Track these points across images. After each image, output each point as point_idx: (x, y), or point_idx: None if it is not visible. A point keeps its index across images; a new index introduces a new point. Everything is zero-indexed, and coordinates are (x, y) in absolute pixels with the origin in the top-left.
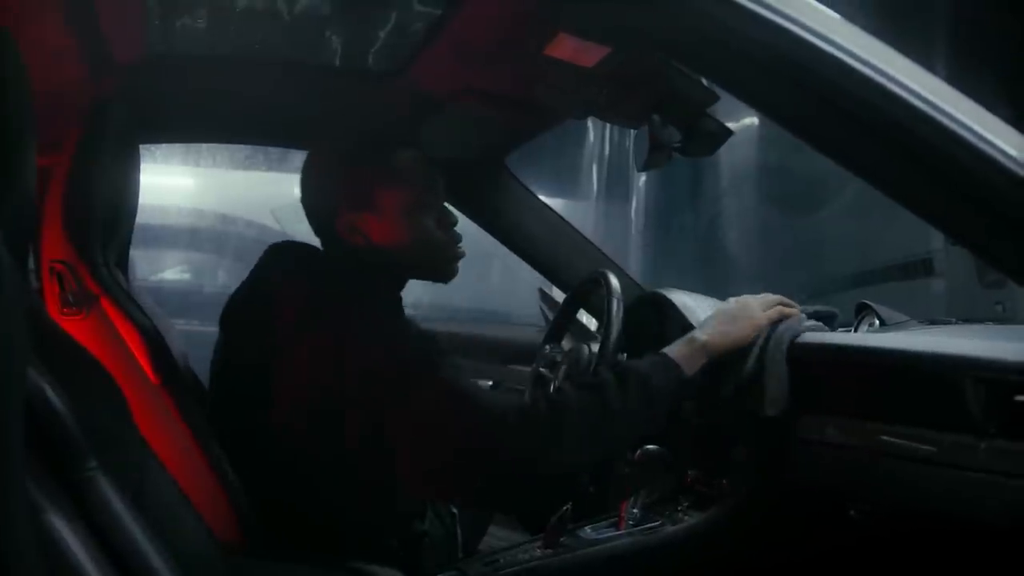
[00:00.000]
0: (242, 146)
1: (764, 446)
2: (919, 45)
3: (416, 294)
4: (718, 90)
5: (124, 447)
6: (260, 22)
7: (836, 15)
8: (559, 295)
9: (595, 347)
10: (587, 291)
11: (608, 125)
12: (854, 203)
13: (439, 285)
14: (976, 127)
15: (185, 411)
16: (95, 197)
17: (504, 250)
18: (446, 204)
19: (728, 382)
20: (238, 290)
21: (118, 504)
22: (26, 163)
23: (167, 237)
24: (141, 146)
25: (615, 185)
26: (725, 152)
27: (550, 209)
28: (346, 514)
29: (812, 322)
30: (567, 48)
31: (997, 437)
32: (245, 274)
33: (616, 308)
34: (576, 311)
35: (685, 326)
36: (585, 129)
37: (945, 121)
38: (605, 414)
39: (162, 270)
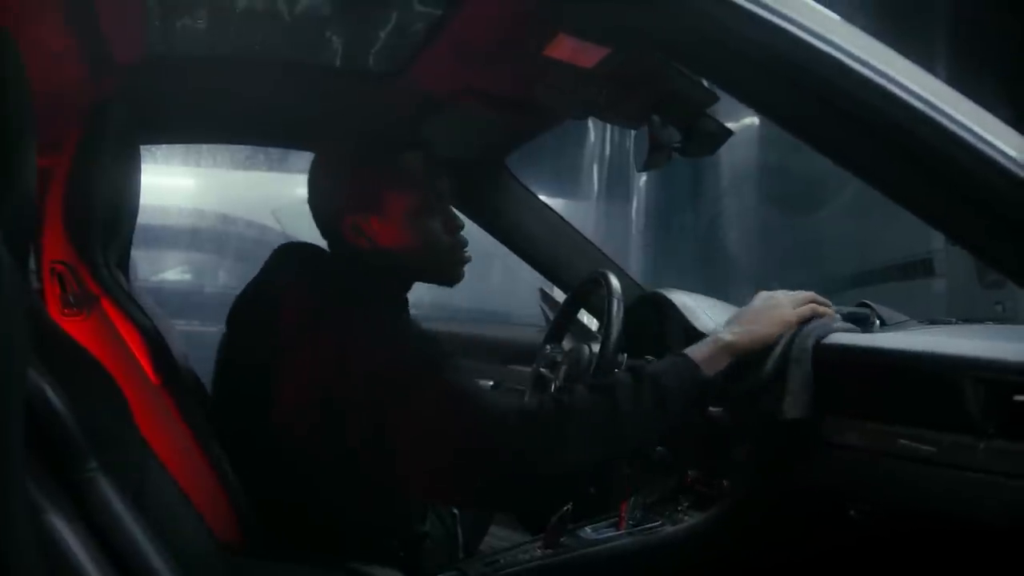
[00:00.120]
0: (242, 146)
1: (768, 446)
2: (919, 45)
3: (417, 294)
4: (718, 90)
5: (124, 447)
6: (260, 22)
7: (835, 16)
8: (559, 295)
9: (595, 347)
10: (587, 291)
11: (608, 125)
12: (854, 203)
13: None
14: (976, 128)
15: (185, 411)
16: (95, 198)
17: (504, 250)
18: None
19: (747, 380)
20: (245, 290)
21: (118, 504)
22: (26, 163)
23: (168, 237)
24: (142, 147)
25: (615, 185)
26: (725, 152)
27: (550, 209)
28: (347, 515)
29: (843, 323)
30: (567, 49)
31: (996, 437)
32: (246, 274)
33: (616, 308)
34: (576, 311)
35: (686, 326)
36: (586, 129)
37: (945, 122)
38: (614, 415)
39: (163, 270)
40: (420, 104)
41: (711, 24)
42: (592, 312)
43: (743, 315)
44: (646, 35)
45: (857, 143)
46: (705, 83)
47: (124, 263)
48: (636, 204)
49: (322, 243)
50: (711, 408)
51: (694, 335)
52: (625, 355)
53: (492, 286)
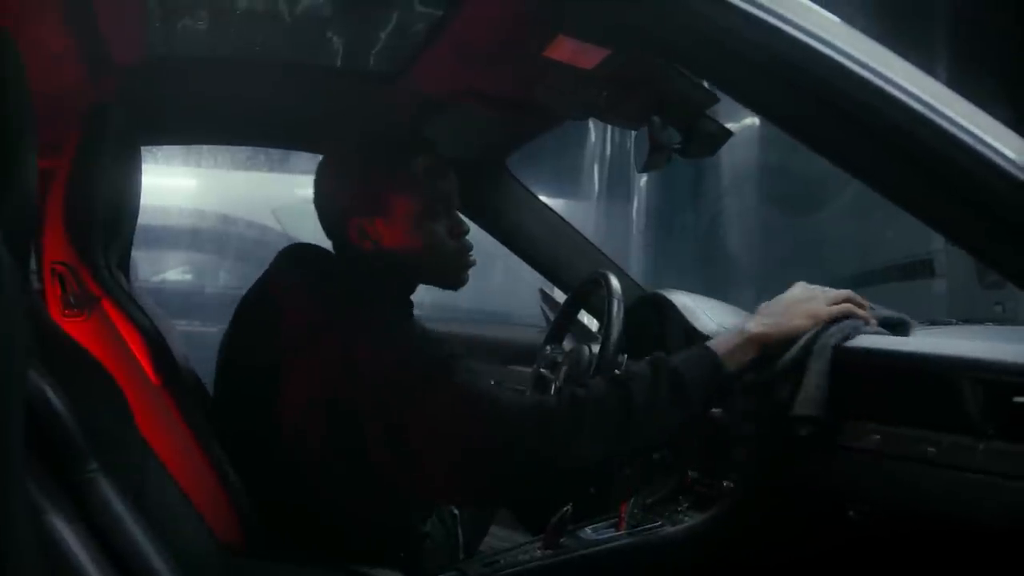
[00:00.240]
0: (243, 147)
1: (769, 447)
2: (919, 46)
3: (417, 294)
4: (718, 92)
5: (125, 448)
6: (260, 23)
7: (834, 17)
8: (560, 296)
9: (596, 348)
10: (588, 292)
11: (609, 126)
12: (854, 203)
13: None
14: (975, 130)
15: (186, 412)
16: (96, 199)
17: (505, 251)
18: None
19: (761, 370)
20: (249, 291)
21: (119, 505)
22: (26, 163)
23: (168, 238)
24: (142, 147)
25: (616, 185)
26: (726, 153)
27: (551, 210)
28: (350, 516)
29: (874, 327)
30: (567, 50)
31: (996, 438)
32: (246, 274)
33: (617, 309)
34: (577, 312)
35: (686, 327)
36: (586, 129)
37: (944, 124)
38: (630, 407)
39: (164, 271)
40: (421, 105)
41: (710, 26)
42: (592, 313)
43: (774, 305)
44: (645, 36)
45: (856, 145)
46: (705, 84)
47: (125, 264)
48: (636, 204)
49: (324, 244)
50: (712, 409)
51: (694, 336)
52: (625, 356)
53: (493, 286)
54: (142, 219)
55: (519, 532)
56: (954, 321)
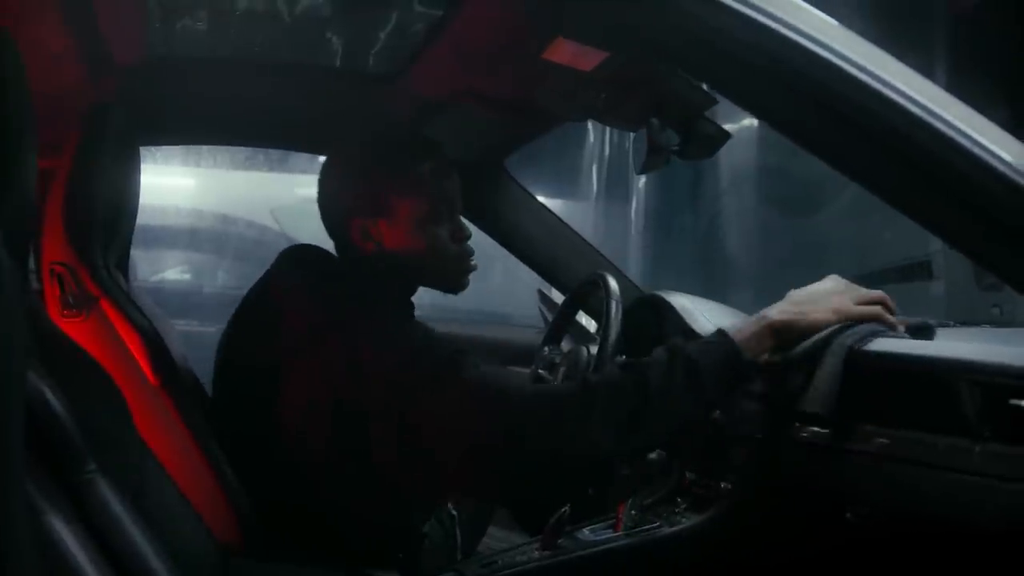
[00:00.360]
0: (242, 147)
1: (767, 447)
2: (918, 45)
3: (417, 295)
4: (716, 94)
5: (124, 449)
6: (260, 24)
7: (832, 20)
8: (558, 297)
9: (594, 349)
10: (586, 293)
11: (607, 127)
12: (853, 205)
13: None
14: (972, 133)
15: (185, 412)
16: (95, 199)
17: (504, 252)
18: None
19: (773, 362)
20: (250, 292)
21: (117, 506)
22: (26, 163)
23: (167, 237)
24: (141, 147)
25: (615, 186)
26: (724, 154)
27: (549, 211)
28: (351, 517)
29: (900, 334)
30: (566, 52)
31: (992, 440)
32: (245, 274)
33: (615, 310)
34: (575, 313)
35: (684, 329)
36: (585, 130)
37: (941, 127)
38: (644, 394)
39: (162, 270)
40: (420, 106)
41: (709, 28)
42: (590, 314)
43: (801, 294)
44: (644, 38)
45: (853, 147)
46: (703, 86)
47: (123, 264)
48: (635, 205)
49: (323, 244)
50: (730, 396)
51: (692, 337)
52: (623, 357)
53: (492, 287)
54: (141, 219)
55: (517, 533)
56: (952, 323)
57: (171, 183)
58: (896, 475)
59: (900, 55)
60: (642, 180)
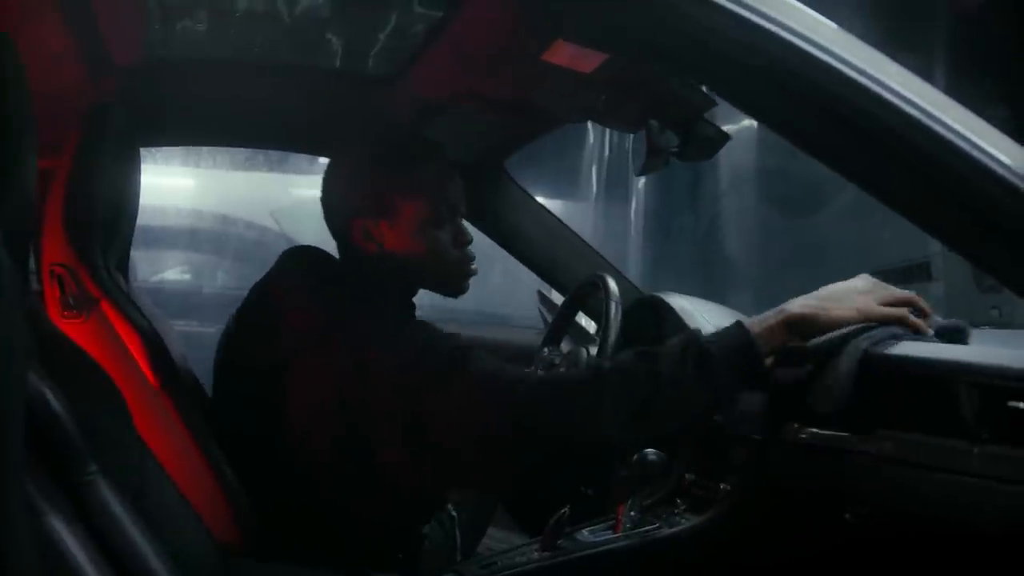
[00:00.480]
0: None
1: (768, 446)
2: (918, 45)
3: (417, 296)
4: (715, 96)
5: (124, 450)
6: (260, 25)
7: (830, 22)
8: (558, 298)
9: (593, 350)
10: (585, 294)
11: (607, 128)
12: (853, 206)
13: None
14: (971, 136)
15: (184, 413)
16: (95, 200)
17: (504, 253)
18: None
19: (786, 356)
20: (251, 292)
21: (117, 507)
22: (26, 164)
23: (167, 238)
24: (141, 148)
25: (614, 187)
26: (724, 155)
27: (549, 212)
28: (351, 517)
29: (928, 338)
30: (565, 54)
31: (990, 442)
32: (245, 275)
33: (614, 311)
34: (575, 314)
35: (683, 330)
36: (585, 131)
37: (939, 129)
38: (655, 381)
39: (162, 271)
40: (419, 107)
41: (707, 30)
42: (590, 315)
43: (825, 290)
44: (643, 40)
45: (851, 149)
46: (703, 88)
47: (123, 264)
48: (635, 206)
49: (324, 244)
50: (747, 389)
51: None
52: None
53: (492, 288)
54: (141, 219)
55: (516, 534)
56: None
57: (171, 184)
58: (895, 476)
59: (900, 55)
60: (641, 181)
